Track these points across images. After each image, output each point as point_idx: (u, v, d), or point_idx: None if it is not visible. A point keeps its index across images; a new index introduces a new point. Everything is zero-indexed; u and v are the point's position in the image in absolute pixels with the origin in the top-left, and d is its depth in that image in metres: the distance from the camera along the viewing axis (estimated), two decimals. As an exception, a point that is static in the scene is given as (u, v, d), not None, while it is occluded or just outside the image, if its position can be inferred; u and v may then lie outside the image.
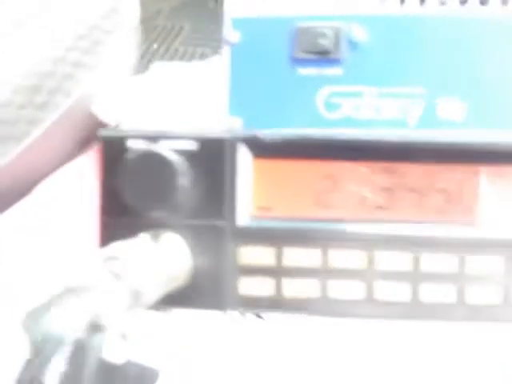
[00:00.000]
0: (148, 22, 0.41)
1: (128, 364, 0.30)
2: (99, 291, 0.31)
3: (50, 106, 0.41)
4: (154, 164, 0.37)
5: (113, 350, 0.29)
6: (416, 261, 0.35)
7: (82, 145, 0.42)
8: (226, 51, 0.37)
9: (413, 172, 0.36)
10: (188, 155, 0.37)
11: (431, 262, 0.35)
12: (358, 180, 0.36)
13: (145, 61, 0.40)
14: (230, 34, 0.37)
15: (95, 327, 0.30)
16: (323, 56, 0.36)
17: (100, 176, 0.38)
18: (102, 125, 0.41)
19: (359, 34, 0.36)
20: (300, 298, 0.37)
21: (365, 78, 0.36)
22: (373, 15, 0.36)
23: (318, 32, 0.36)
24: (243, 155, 0.37)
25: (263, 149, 0.37)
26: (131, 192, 0.37)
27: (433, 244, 0.35)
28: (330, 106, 0.36)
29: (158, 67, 0.39)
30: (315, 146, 0.36)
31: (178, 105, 0.40)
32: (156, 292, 0.35)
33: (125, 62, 0.43)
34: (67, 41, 0.40)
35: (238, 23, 0.37)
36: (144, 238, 0.36)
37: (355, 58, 0.36)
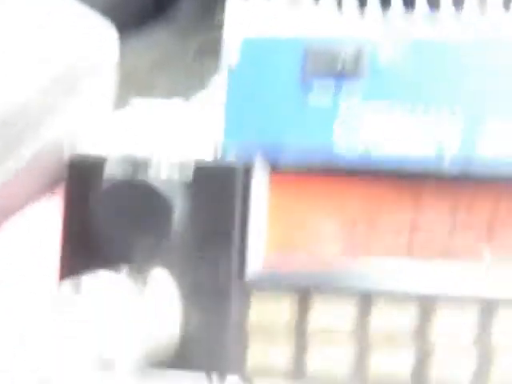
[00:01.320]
0: (126, 77, 0.36)
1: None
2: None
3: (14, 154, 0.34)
4: (139, 196, 0.28)
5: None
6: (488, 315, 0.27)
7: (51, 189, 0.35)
8: (222, 76, 0.29)
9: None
10: (187, 184, 0.29)
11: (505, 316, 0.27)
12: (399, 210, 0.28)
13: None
14: (230, 56, 0.29)
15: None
16: (340, 81, 0.28)
17: (63, 214, 0.30)
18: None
19: (385, 55, 0.28)
20: (326, 372, 0.28)
21: (390, 104, 0.28)
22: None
23: (333, 54, 0.28)
24: (257, 184, 0.29)
25: (278, 177, 0.28)
26: (106, 237, 0.28)
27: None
28: (347, 140, 0.28)
29: (139, 103, 0.32)
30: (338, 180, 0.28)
31: (165, 134, 0.32)
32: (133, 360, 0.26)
33: (101, 103, 0.37)
34: (38, 84, 0.34)
35: (239, 44, 0.29)
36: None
37: (379, 82, 0.28)
